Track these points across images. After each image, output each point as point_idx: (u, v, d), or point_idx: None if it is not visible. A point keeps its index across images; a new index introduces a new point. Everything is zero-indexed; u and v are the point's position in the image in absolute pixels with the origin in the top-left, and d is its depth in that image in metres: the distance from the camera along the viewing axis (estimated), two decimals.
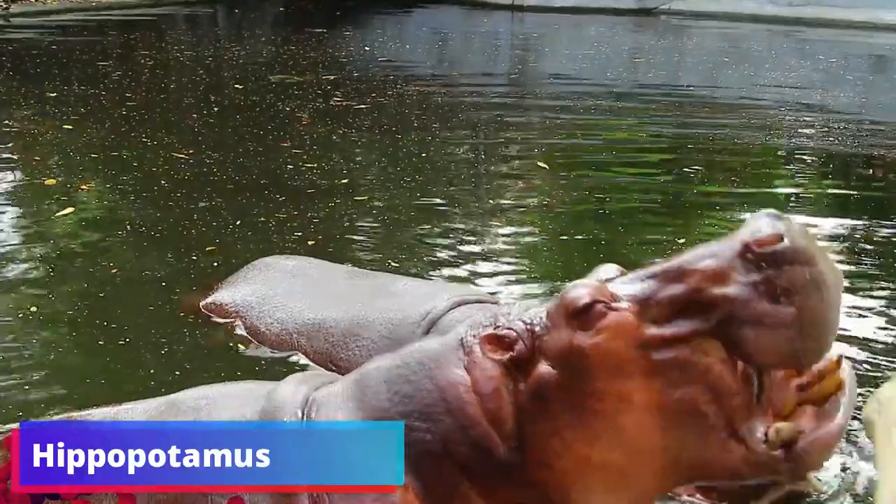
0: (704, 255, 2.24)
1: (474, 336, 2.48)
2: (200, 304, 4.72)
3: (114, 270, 5.42)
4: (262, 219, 6.31)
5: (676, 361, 2.21)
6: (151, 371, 4.25)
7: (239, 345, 4.39)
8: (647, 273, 2.31)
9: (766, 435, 2.20)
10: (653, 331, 2.23)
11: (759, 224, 2.20)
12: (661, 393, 2.22)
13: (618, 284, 2.33)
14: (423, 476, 2.43)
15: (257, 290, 4.52)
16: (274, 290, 4.47)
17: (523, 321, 2.41)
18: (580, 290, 2.31)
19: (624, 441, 2.26)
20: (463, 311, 3.84)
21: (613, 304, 2.27)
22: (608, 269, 2.47)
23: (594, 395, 2.26)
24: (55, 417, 3.12)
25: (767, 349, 2.17)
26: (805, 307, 2.14)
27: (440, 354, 2.51)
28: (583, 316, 2.28)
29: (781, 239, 2.15)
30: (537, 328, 2.37)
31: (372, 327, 3.97)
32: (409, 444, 2.43)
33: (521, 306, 2.51)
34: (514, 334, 2.40)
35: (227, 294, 4.64)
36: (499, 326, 2.44)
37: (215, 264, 5.39)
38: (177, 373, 4.20)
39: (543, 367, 2.34)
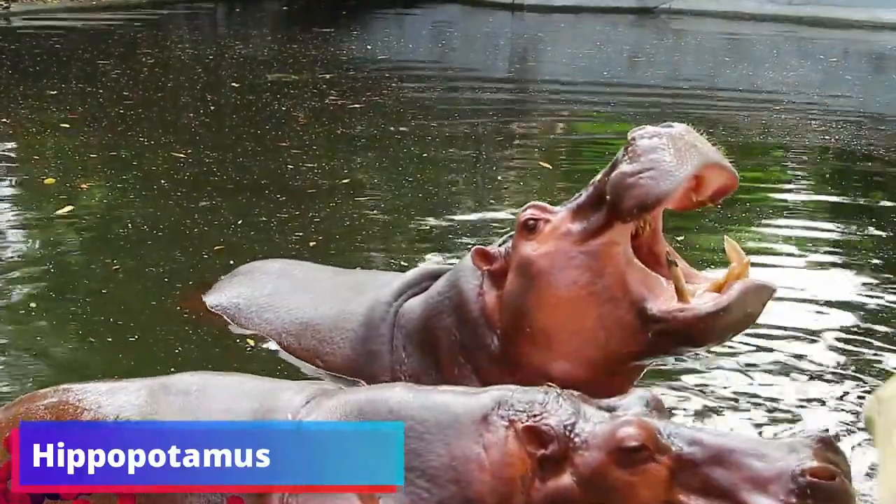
0: (756, 455, 2.38)
1: (502, 417, 2.53)
2: (191, 309, 4.76)
3: (114, 269, 5.41)
4: (264, 219, 6.30)
5: None
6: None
7: (247, 350, 4.39)
8: (700, 438, 2.44)
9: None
10: (680, 497, 2.38)
11: (816, 450, 2.35)
12: None
13: (671, 434, 2.43)
14: None
15: (244, 293, 4.60)
16: (261, 291, 4.55)
17: (564, 424, 2.49)
18: (634, 430, 2.42)
19: None
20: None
21: (657, 456, 2.40)
22: None
23: None
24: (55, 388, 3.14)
25: None
26: None
27: (460, 423, 2.56)
28: (627, 456, 2.41)
29: (834, 477, 2.31)
30: (577, 439, 2.46)
31: (354, 319, 4.05)
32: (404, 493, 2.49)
33: (554, 399, 2.56)
34: (553, 434, 2.48)
35: (214, 298, 4.70)
36: (536, 416, 2.51)
37: (221, 264, 5.37)
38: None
39: (567, 480, 2.44)
